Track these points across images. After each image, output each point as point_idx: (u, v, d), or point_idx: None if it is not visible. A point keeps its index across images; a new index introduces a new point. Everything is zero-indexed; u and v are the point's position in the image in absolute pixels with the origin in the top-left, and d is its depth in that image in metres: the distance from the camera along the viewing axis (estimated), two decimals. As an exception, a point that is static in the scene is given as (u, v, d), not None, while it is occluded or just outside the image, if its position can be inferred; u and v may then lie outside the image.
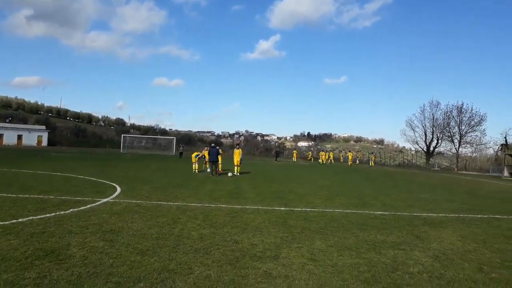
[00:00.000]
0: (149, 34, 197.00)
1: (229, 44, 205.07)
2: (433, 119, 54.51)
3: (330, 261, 5.72)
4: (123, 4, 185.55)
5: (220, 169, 22.67)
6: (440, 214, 10.79)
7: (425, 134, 55.38)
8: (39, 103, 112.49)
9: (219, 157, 22.39)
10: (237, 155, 21.45)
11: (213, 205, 10.35)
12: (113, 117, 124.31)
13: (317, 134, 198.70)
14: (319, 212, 10.19)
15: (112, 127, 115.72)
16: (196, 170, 21.89)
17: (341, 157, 58.00)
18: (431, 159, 55.11)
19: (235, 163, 21.14)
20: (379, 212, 10.59)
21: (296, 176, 23.00)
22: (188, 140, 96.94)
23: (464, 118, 51.80)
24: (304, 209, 10.58)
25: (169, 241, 6.38)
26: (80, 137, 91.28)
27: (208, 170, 22.96)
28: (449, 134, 53.02)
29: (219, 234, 7.02)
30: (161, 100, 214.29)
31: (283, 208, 10.45)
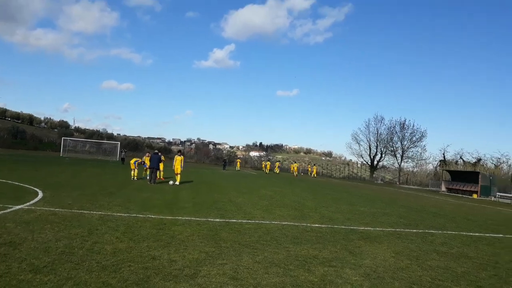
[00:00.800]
0: (100, 35, 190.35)
1: (183, 50, 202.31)
2: (377, 133, 56.43)
3: (254, 280, 5.24)
4: (72, 2, 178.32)
5: (161, 177, 21.77)
6: (377, 228, 10.70)
7: (370, 148, 57.17)
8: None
9: (161, 164, 21.48)
10: (177, 162, 20.46)
11: (141, 216, 9.58)
12: (56, 119, 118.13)
13: (268, 144, 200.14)
14: (255, 224, 9.72)
15: (55, 130, 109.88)
16: (135, 177, 20.80)
17: (293, 168, 57.84)
18: (375, 172, 56.79)
19: (175, 171, 20.21)
20: (316, 225, 10.31)
21: (240, 186, 22.52)
22: (135, 146, 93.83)
23: (406, 133, 53.98)
24: (240, 220, 10.08)
25: (75, 256, 5.62)
26: (18, 139, 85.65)
27: (171, 182, 21.99)
28: (392, 148, 55.00)
29: (136, 249, 6.33)
30: (109, 103, 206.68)
31: (217, 220, 9.89)
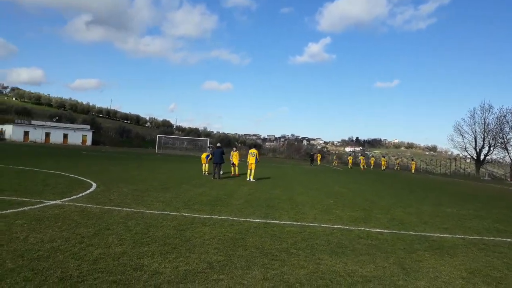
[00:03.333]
0: (201, 38, 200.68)
1: (278, 47, 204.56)
2: (484, 124, 49.67)
3: (240, 307, 3.94)
4: (175, 8, 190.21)
5: (237, 173, 20.97)
6: (457, 236, 8.56)
7: (475, 140, 50.62)
8: (91, 104, 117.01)
9: (234, 159, 20.89)
10: (234, 157, 21.01)
11: (174, 214, 8.77)
12: (161, 119, 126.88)
13: (365, 139, 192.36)
14: (299, 227, 8.32)
15: (158, 129, 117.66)
16: (206, 172, 20.44)
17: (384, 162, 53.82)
18: (481, 167, 50.38)
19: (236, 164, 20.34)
20: (377, 230, 8.54)
21: (315, 182, 20.95)
22: (228, 142, 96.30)
23: (520, 122, 46.83)
24: (284, 222, 8.75)
25: (47, 262, 4.86)
26: (124, 137, 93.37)
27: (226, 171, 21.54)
28: (503, 140, 48.10)
29: (128, 255, 5.41)
30: (211, 103, 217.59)
31: (257, 220, 8.68)
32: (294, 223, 8.71)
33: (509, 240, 8.47)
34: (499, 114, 48.60)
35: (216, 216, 8.77)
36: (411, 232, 8.54)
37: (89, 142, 77.46)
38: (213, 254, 5.74)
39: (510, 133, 47.47)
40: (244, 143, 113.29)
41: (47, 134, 73.77)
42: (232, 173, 20.78)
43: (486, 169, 51.13)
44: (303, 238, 7.23)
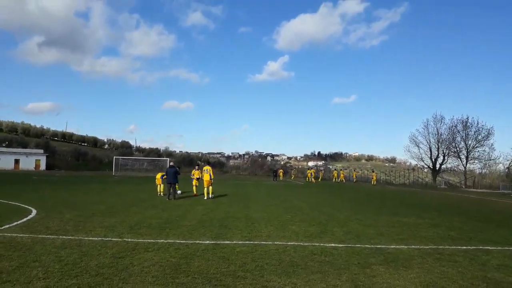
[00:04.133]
0: (159, 58, 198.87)
1: (237, 66, 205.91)
2: (437, 134, 51.53)
3: None
4: (132, 28, 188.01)
5: (195, 192, 20.12)
6: (413, 246, 8.36)
7: (430, 150, 52.32)
8: (45, 127, 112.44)
9: (209, 176, 20.06)
10: (195, 176, 20.51)
11: (115, 240, 8.08)
12: (119, 140, 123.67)
13: (327, 153, 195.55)
14: (251, 246, 7.85)
15: (117, 150, 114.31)
16: (161, 193, 19.64)
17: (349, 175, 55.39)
18: (438, 176, 51.96)
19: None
20: (332, 245, 8.21)
21: (273, 198, 20.58)
22: (190, 161, 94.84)
23: (470, 132, 48.82)
24: (236, 241, 8.26)
25: None
26: (80, 161, 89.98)
27: (179, 192, 20.74)
28: (456, 149, 50.01)
29: (47, 291, 4.75)
30: (171, 123, 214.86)
31: (207, 242, 8.13)
32: (247, 242, 8.23)
33: (463, 248, 8.36)
34: (451, 124, 50.62)
35: (162, 240, 8.15)
36: (366, 245, 8.27)
37: (43, 167, 73.91)
38: (149, 284, 5.16)
39: (462, 142, 49.42)
40: (207, 161, 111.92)
41: (-4, 160, 69.77)
42: (195, 193, 19.94)
43: (442, 177, 52.80)
44: (253, 259, 6.76)
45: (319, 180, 53.13)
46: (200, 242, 8.12)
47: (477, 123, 48.51)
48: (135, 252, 7.02)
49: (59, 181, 32.48)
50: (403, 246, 8.32)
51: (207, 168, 18.95)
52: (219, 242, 8.18)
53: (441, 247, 8.37)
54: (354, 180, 53.19)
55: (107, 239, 8.10)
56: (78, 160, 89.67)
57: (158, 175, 20.23)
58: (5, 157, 71.04)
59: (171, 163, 19.56)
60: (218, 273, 5.77)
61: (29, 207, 12.81)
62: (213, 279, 5.46)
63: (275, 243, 8.23)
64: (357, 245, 8.25)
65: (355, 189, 34.41)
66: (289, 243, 8.22)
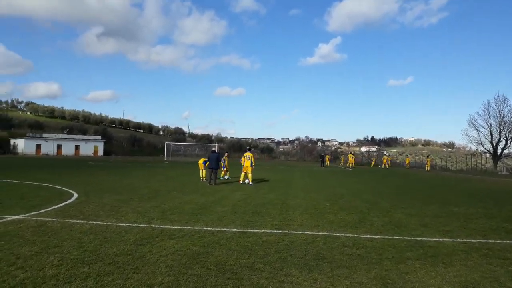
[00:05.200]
0: (211, 44, 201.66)
1: (288, 50, 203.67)
2: (499, 116, 47.84)
3: None
4: (184, 16, 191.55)
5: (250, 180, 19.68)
6: (459, 239, 7.60)
7: (491, 134, 48.77)
8: (104, 115, 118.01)
9: (250, 163, 19.67)
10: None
11: (143, 225, 8.02)
12: (173, 126, 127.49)
13: (381, 138, 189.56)
14: (280, 236, 7.48)
15: (171, 136, 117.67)
16: (204, 178, 19.71)
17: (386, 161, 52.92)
18: (499, 162, 48.49)
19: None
20: (367, 236, 7.65)
21: (315, 184, 19.99)
22: (239, 147, 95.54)
23: (537, 113, 44.91)
24: (265, 230, 7.93)
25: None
26: (136, 146, 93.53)
27: (223, 177, 20.76)
28: (520, 133, 46.26)
29: (56, 279, 4.66)
30: (223, 109, 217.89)
31: (234, 230, 7.86)
32: (275, 231, 7.87)
33: (518, 242, 7.47)
34: (515, 106, 46.79)
35: (189, 227, 7.99)
36: (406, 237, 7.62)
37: (100, 152, 77.64)
38: (160, 274, 4.95)
39: (527, 125, 45.62)
40: (256, 147, 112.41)
41: (59, 146, 74.08)
42: (241, 180, 19.50)
43: (504, 163, 49.26)
44: (277, 249, 6.39)
45: (372, 166, 51.24)
46: (227, 229, 7.86)
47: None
48: (158, 239, 6.88)
49: (112, 166, 33.80)
50: (447, 239, 7.57)
51: (248, 154, 18.71)
52: (247, 230, 7.88)
53: (491, 241, 7.54)
54: (383, 166, 50.12)
55: (135, 225, 8.07)
56: (134, 146, 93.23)
57: (201, 161, 20.28)
58: (67, 143, 75.25)
59: (213, 149, 19.56)
60: (236, 265, 5.46)
61: (72, 191, 13.22)
62: (228, 271, 5.16)
63: (305, 232, 7.80)
64: (395, 237, 7.62)
65: (405, 175, 32.86)
66: (320, 233, 7.75)
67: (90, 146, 77.76)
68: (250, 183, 17.94)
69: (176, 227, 7.98)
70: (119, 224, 8.11)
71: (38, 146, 70.97)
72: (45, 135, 74.51)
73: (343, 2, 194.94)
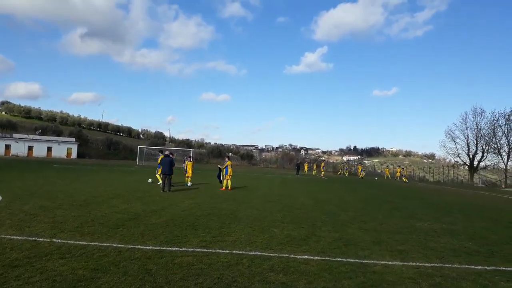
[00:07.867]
0: (197, 49, 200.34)
1: (275, 57, 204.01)
2: (476, 128, 47.66)
3: None
4: (171, 20, 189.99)
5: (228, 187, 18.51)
6: (411, 263, 6.51)
7: (468, 145, 48.51)
8: (82, 117, 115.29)
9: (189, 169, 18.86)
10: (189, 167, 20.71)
11: (40, 240, 6.72)
12: (154, 131, 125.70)
13: (364, 148, 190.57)
14: (201, 255, 6.28)
15: (149, 140, 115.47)
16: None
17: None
18: (475, 174, 48.22)
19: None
20: (305, 257, 6.50)
21: (279, 193, 18.83)
22: (219, 153, 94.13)
23: (513, 127, 44.79)
24: (186, 249, 6.71)
25: None
26: (112, 150, 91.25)
27: (187, 184, 19.53)
28: (496, 145, 46.05)
29: None
30: (208, 114, 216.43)
31: (150, 247, 6.63)
32: (199, 249, 6.66)
33: (477, 268, 6.41)
34: (492, 118, 46.73)
35: (95, 243, 6.71)
36: (350, 259, 6.50)
37: (74, 155, 75.28)
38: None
39: (504, 138, 45.53)
40: (237, 153, 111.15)
41: (30, 148, 71.53)
42: (223, 188, 18.49)
43: (480, 175, 49.07)
44: (184, 276, 5.19)
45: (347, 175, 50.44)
46: (142, 247, 6.62)
47: (522, 117, 44.41)
48: (46, 258, 5.62)
49: (73, 169, 32.06)
50: (397, 263, 6.48)
51: (228, 163, 18.26)
52: (165, 248, 6.66)
53: (447, 265, 6.47)
54: (360, 176, 48.75)
55: (32, 238, 6.78)
56: (110, 149, 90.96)
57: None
58: (38, 144, 72.66)
59: (166, 152, 18.12)
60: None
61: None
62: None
63: (233, 252, 6.61)
64: (337, 259, 6.50)
65: (379, 186, 32.02)
66: (250, 253, 6.57)
67: (63, 148, 75.33)
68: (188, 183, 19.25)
69: (81, 242, 6.71)
70: (13, 237, 6.80)
71: (7, 147, 68.38)
72: (15, 135, 71.86)
73: (330, 12, 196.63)
